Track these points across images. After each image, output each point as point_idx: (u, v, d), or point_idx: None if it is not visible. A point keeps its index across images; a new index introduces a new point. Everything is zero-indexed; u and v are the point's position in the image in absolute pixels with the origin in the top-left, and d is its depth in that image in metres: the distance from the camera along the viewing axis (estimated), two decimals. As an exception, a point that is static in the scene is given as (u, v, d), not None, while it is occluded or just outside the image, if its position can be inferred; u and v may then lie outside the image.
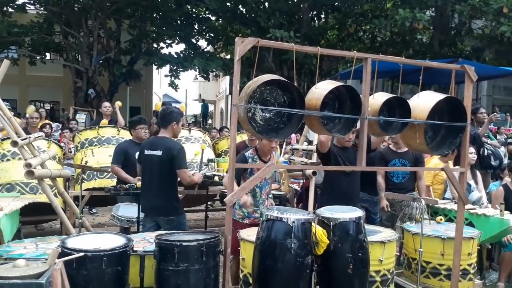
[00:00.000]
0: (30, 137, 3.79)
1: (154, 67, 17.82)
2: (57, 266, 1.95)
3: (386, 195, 4.27)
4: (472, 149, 4.82)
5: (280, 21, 13.20)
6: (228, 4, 14.49)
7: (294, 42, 10.73)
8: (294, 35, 11.88)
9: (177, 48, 16.24)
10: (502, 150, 6.45)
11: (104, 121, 6.70)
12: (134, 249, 2.58)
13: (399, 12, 11.25)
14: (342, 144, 3.98)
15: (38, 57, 16.06)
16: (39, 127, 7.00)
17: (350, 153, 3.93)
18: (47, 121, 8.72)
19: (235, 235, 3.19)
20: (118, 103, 6.83)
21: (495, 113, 6.13)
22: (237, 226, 3.52)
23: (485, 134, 5.92)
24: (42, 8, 15.76)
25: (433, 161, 4.91)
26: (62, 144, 6.01)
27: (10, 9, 14.96)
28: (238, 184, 3.36)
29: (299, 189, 5.78)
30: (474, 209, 4.24)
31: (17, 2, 14.98)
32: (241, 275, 3.11)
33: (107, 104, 6.98)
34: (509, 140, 6.42)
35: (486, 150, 5.77)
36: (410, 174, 4.57)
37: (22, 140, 3.62)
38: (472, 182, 4.90)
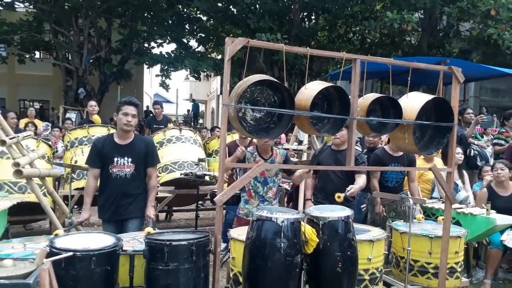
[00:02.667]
0: (18, 136, 3.76)
1: (145, 66, 17.74)
2: (45, 266, 1.94)
3: (375, 194, 4.32)
4: (459, 149, 4.89)
5: (269, 24, 13.25)
6: (219, 4, 14.49)
7: (282, 44, 10.79)
8: (282, 37, 11.94)
9: (168, 48, 16.27)
10: (489, 150, 6.55)
11: (96, 117, 6.66)
12: (124, 248, 2.57)
13: (387, 14, 11.37)
14: (334, 144, 4.03)
15: (27, 56, 15.88)
16: (23, 126, 6.94)
17: (342, 155, 3.98)
18: (31, 120, 8.51)
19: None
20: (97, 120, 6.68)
21: (482, 115, 6.22)
22: (241, 222, 3.57)
23: (472, 135, 6.01)
24: (31, 6, 15.60)
25: (417, 162, 4.96)
26: (50, 143, 5.95)
27: (-2, 7, 14.79)
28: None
29: (289, 188, 5.81)
30: (461, 208, 4.31)
31: (6, 0, 14.80)
32: (231, 274, 3.12)
33: (93, 103, 6.97)
34: (494, 141, 6.52)
35: (472, 150, 5.86)
36: (403, 178, 4.64)
37: (10, 139, 3.58)
38: (459, 182, 4.98)
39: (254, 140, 5.09)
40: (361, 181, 3.96)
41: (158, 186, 3.94)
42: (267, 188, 3.81)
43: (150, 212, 3.53)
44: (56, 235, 2.60)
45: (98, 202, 3.54)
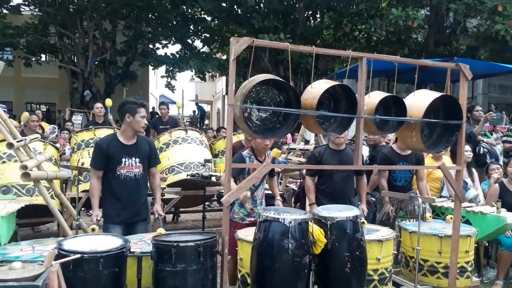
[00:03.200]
0: (26, 139, 3.77)
1: (150, 68, 17.80)
2: (54, 268, 1.95)
3: (384, 193, 4.28)
4: (468, 147, 4.84)
5: (274, 23, 13.22)
6: (224, 4, 14.48)
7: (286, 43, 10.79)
8: (285, 36, 11.90)
9: (173, 48, 16.25)
10: (499, 148, 6.48)
11: (108, 100, 6.77)
12: (131, 250, 2.57)
13: (392, 11, 11.31)
14: (336, 143, 4.01)
15: (33, 59, 16.00)
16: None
17: (344, 154, 3.96)
18: (38, 123, 8.56)
19: (233, 236, 3.20)
20: (108, 102, 6.83)
21: (491, 112, 6.16)
22: (237, 227, 3.53)
23: (481, 132, 5.95)
24: (36, 10, 15.72)
25: (425, 161, 4.92)
26: (57, 145, 5.99)
27: (4, 11, 14.90)
28: (236, 183, 3.37)
29: (296, 188, 5.79)
30: (471, 207, 4.26)
31: (11, 4, 14.93)
32: (239, 275, 3.11)
33: (99, 105, 7.01)
34: (504, 138, 6.44)
35: (481, 148, 5.80)
36: (411, 177, 4.60)
37: (18, 142, 3.59)
38: (468, 180, 4.92)
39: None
40: (363, 193, 4.16)
41: (163, 189, 3.93)
42: (260, 191, 3.81)
43: (160, 210, 3.49)
44: (93, 230, 2.91)
45: (104, 205, 3.39)
